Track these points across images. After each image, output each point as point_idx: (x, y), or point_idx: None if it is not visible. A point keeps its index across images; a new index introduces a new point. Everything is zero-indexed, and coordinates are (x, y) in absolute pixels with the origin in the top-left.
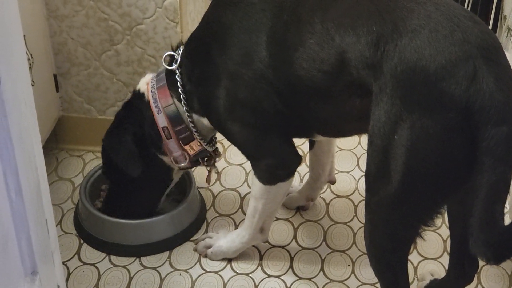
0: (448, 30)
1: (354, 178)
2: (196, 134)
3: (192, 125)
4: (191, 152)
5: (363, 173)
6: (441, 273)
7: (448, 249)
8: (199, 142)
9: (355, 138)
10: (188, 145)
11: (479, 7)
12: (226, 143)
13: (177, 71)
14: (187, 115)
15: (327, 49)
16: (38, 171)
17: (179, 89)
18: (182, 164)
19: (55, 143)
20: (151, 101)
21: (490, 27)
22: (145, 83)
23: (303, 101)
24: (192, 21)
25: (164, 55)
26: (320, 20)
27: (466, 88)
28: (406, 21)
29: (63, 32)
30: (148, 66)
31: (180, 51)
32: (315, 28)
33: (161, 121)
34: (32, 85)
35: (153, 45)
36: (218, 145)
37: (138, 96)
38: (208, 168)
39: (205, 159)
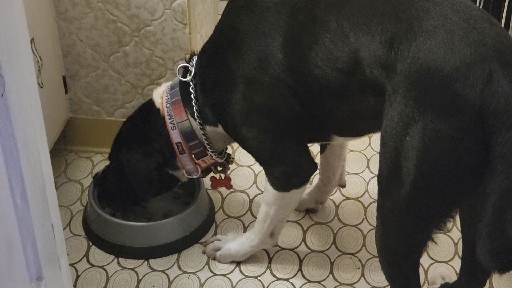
0: (464, 31)
1: (364, 180)
2: (209, 149)
3: (205, 138)
4: (203, 165)
5: (373, 175)
6: (452, 276)
7: (459, 252)
8: (211, 156)
9: (365, 140)
10: (201, 159)
11: (491, 6)
12: (235, 145)
13: (191, 83)
14: (200, 128)
15: (342, 47)
16: (44, 176)
17: (192, 101)
18: (194, 176)
19: (64, 144)
20: (166, 118)
21: (503, 25)
22: (160, 97)
23: (319, 101)
24: (200, 22)
25: (178, 67)
26: (335, 19)
27: (480, 91)
28: (421, 21)
29: (72, 34)
30: (156, 68)
31: (194, 62)
32: (330, 27)
33: (176, 136)
34: (41, 87)
35: (161, 46)
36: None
37: (154, 112)
38: (221, 176)
39: (217, 167)
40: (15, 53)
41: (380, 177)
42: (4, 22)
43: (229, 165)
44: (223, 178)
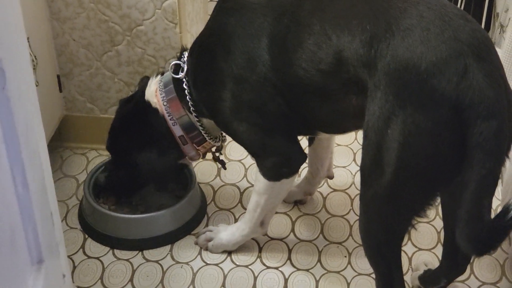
0: (439, 28)
1: (351, 173)
2: (207, 137)
3: (202, 128)
4: (203, 150)
5: (359, 168)
6: (434, 263)
7: (442, 240)
8: (210, 142)
9: (351, 134)
10: (201, 146)
11: (473, 5)
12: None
13: (184, 79)
14: (197, 120)
15: (325, 48)
16: (43, 166)
17: (187, 97)
18: (196, 159)
19: (60, 141)
20: (166, 116)
21: (483, 24)
22: (154, 96)
23: (304, 100)
24: (190, 22)
25: (170, 64)
26: (318, 22)
27: (456, 85)
28: (399, 21)
29: (66, 34)
30: (148, 66)
31: (185, 59)
32: (313, 29)
33: (178, 131)
34: (36, 86)
35: (153, 45)
36: None
37: (152, 112)
38: (217, 154)
39: (213, 149)
40: (15, 49)
41: (363, 168)
42: (4, 21)
43: (223, 143)
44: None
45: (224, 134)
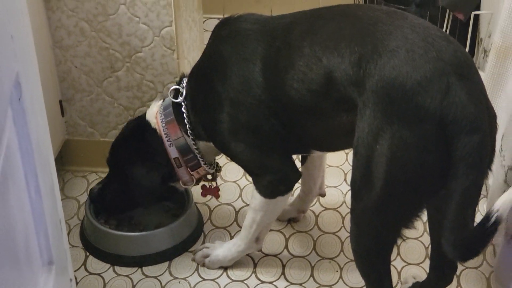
0: (423, 49)
1: (342, 192)
2: (202, 161)
3: (198, 152)
4: (197, 176)
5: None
6: (423, 276)
7: (429, 255)
8: (204, 168)
9: (342, 156)
10: (195, 171)
11: (457, 31)
12: (222, 162)
13: (183, 103)
14: (193, 143)
15: (316, 70)
16: (52, 176)
17: (185, 120)
18: (189, 185)
19: (61, 165)
20: (163, 136)
21: (468, 49)
22: (154, 117)
23: (297, 120)
24: (187, 49)
25: (170, 89)
26: (309, 44)
27: (440, 102)
28: (385, 42)
29: (68, 61)
30: (147, 91)
31: (184, 84)
32: (304, 52)
33: (173, 152)
34: None
35: (151, 71)
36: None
37: (151, 132)
38: (212, 184)
39: (208, 177)
40: (28, 64)
41: (353, 183)
42: (20, 36)
43: (218, 174)
44: (212, 187)
45: (219, 164)
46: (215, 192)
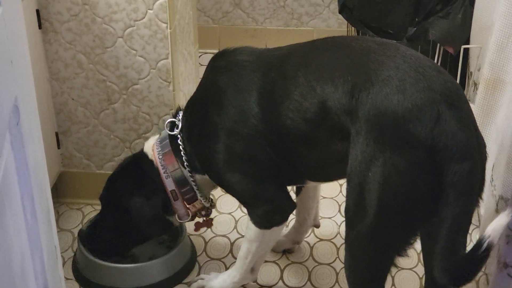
0: (414, 79)
1: (336, 223)
2: (198, 194)
3: (194, 184)
4: (193, 210)
5: (344, 219)
6: None
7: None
8: (201, 201)
9: (337, 187)
10: (192, 204)
11: (448, 65)
12: (217, 194)
13: (179, 135)
14: (190, 175)
15: (310, 99)
16: (48, 201)
17: (181, 152)
18: (184, 220)
19: (56, 197)
20: (160, 168)
21: (458, 82)
22: (151, 150)
23: (292, 149)
24: (183, 81)
25: (166, 122)
26: (303, 74)
27: (430, 129)
28: (377, 72)
29: (64, 93)
30: (143, 123)
31: (180, 117)
32: (298, 82)
33: (170, 184)
34: None
35: (148, 103)
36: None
37: (148, 164)
38: (205, 219)
39: (203, 212)
40: (26, 88)
41: (347, 210)
42: (18, 60)
43: (212, 209)
44: (206, 220)
45: (213, 200)
46: (208, 222)
